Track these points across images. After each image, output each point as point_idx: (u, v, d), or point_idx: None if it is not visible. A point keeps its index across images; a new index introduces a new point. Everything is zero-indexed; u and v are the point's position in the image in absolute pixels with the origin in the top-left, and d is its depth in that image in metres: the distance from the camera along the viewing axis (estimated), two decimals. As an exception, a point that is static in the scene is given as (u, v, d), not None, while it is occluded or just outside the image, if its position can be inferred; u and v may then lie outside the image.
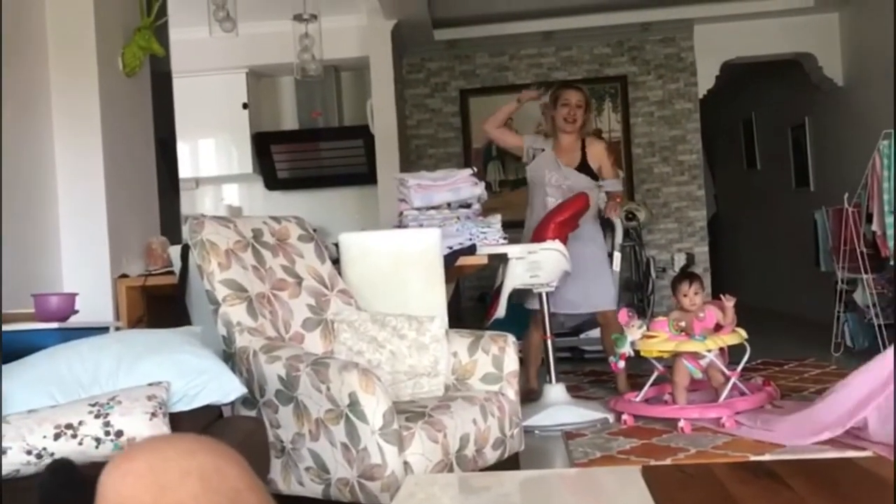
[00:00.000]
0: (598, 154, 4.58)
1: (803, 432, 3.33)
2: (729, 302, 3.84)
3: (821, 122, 7.14)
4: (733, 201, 9.49)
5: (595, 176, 4.55)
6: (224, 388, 2.28)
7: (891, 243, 4.74)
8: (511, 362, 2.88)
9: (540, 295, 4.16)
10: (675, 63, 6.87)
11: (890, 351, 3.18)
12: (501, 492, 2.06)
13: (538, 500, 1.99)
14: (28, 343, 2.46)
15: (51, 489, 1.15)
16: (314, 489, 2.43)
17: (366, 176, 6.14)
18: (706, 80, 6.80)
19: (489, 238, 3.92)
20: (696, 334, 3.69)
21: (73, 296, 2.82)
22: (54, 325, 2.64)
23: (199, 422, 2.29)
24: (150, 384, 2.15)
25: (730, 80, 7.17)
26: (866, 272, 5.03)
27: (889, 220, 4.74)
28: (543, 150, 4.63)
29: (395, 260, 3.23)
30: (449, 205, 4.00)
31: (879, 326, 4.93)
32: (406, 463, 2.32)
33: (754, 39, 6.68)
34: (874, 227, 4.88)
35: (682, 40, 6.84)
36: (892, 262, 4.92)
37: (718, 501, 1.70)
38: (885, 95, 5.95)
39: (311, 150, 6.29)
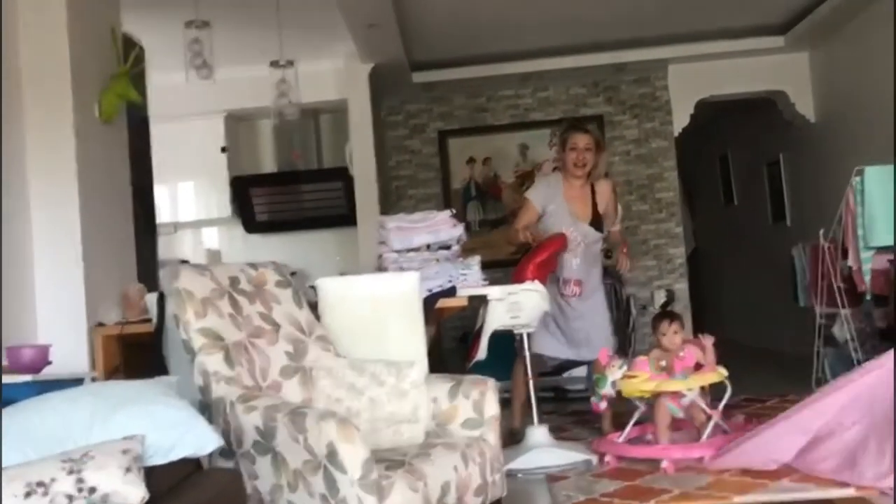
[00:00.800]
0: (605, 196, 4.50)
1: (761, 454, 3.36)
2: (707, 341, 3.85)
3: (795, 158, 7.24)
4: (712, 237, 9.57)
5: (601, 225, 4.46)
6: (200, 440, 2.24)
7: (867, 278, 4.78)
8: (492, 407, 2.86)
9: (520, 336, 4.15)
10: (650, 102, 6.96)
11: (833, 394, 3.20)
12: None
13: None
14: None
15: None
16: (293, 542, 2.38)
17: (346, 217, 6.14)
18: (681, 118, 6.90)
19: (469, 280, 3.92)
20: (677, 373, 3.69)
21: (46, 348, 2.78)
22: (27, 377, 2.60)
23: (175, 475, 2.25)
24: (124, 438, 2.11)
25: (705, 117, 7.28)
26: (844, 307, 5.06)
27: (864, 255, 4.79)
28: (554, 197, 4.44)
29: (374, 304, 3.22)
30: (428, 246, 4.00)
31: (858, 361, 4.95)
32: (386, 513, 2.28)
33: (728, 78, 6.79)
34: (850, 262, 4.92)
35: (657, 80, 6.94)
36: (868, 297, 4.96)
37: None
38: (857, 131, 6.06)
39: (290, 193, 6.30)
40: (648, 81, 6.96)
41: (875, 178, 4.73)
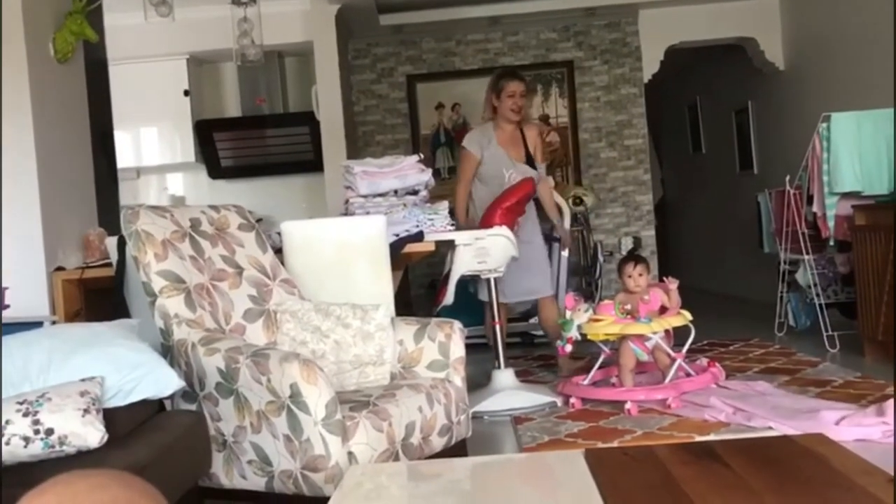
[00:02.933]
0: (533, 139, 4.71)
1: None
2: (672, 284, 3.87)
3: (763, 105, 7.25)
4: (680, 185, 9.61)
5: (533, 164, 4.64)
6: (161, 381, 2.22)
7: (831, 224, 4.83)
8: (457, 349, 2.86)
9: (488, 281, 4.15)
10: (620, 48, 6.90)
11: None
12: (448, 478, 2.05)
13: (484, 486, 1.98)
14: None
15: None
16: (257, 482, 2.38)
17: (312, 163, 6.05)
18: (651, 64, 6.85)
19: (436, 225, 3.90)
20: (642, 317, 3.72)
21: (2, 290, 2.72)
22: (-18, 320, 2.54)
23: (136, 417, 2.23)
24: (82, 379, 2.08)
25: (674, 64, 7.23)
26: (808, 253, 5.12)
27: (829, 201, 4.83)
28: (489, 144, 4.57)
29: (340, 248, 3.19)
30: (396, 192, 3.96)
31: (821, 306, 5.03)
32: (350, 453, 2.29)
33: (698, 24, 6.74)
34: (814, 208, 4.96)
35: (627, 25, 6.87)
36: (832, 243, 5.02)
37: (660, 483, 1.71)
38: (824, 78, 6.06)
39: (255, 138, 6.18)
40: (619, 27, 6.89)
41: (841, 124, 4.74)
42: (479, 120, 6.87)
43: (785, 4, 6.66)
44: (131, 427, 2.17)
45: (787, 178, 5.23)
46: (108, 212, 4.39)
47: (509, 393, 3.97)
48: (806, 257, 5.14)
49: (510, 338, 4.76)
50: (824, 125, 4.80)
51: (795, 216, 5.16)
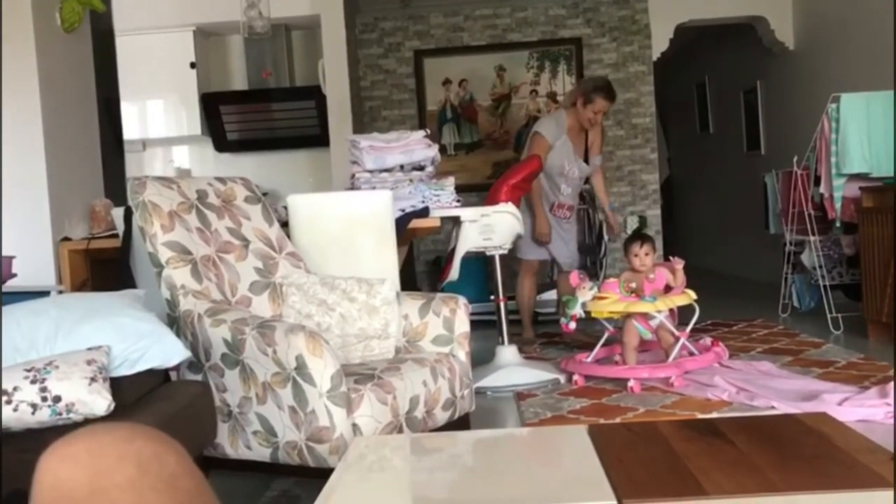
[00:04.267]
0: (595, 137, 5.03)
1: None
2: (678, 264, 3.87)
3: (772, 85, 7.20)
4: (686, 164, 9.57)
5: (587, 157, 5.01)
6: (167, 351, 2.23)
7: (837, 206, 4.82)
8: (462, 324, 2.87)
9: (493, 258, 4.15)
10: (629, 26, 6.85)
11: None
12: (451, 452, 2.06)
13: (486, 460, 1.99)
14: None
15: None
16: (262, 453, 2.40)
17: (318, 138, 6.04)
18: (660, 43, 6.80)
19: (442, 201, 3.89)
20: (647, 295, 3.72)
21: (10, 259, 2.73)
22: (-10, 289, 2.55)
23: (142, 386, 2.24)
24: (89, 348, 2.09)
25: (683, 43, 7.19)
26: (813, 234, 5.11)
27: (836, 182, 4.81)
28: (560, 134, 4.87)
29: (346, 222, 3.19)
30: (402, 167, 3.95)
31: (825, 287, 5.03)
32: (355, 425, 2.30)
33: (708, 2, 6.68)
34: (822, 189, 4.95)
35: (637, 2, 6.81)
36: (838, 225, 5.01)
37: (663, 458, 1.72)
38: (834, 59, 6.02)
39: (261, 111, 6.16)
40: (628, 4, 6.83)
41: (851, 105, 4.72)
42: (485, 95, 6.87)
43: (796, -17, 6.60)
44: (137, 396, 2.19)
45: (795, 158, 5.21)
46: (115, 183, 4.39)
47: (513, 369, 3.98)
48: (811, 238, 5.13)
49: (513, 314, 4.77)
50: (833, 106, 4.77)
51: (802, 197, 5.14)
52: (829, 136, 4.80)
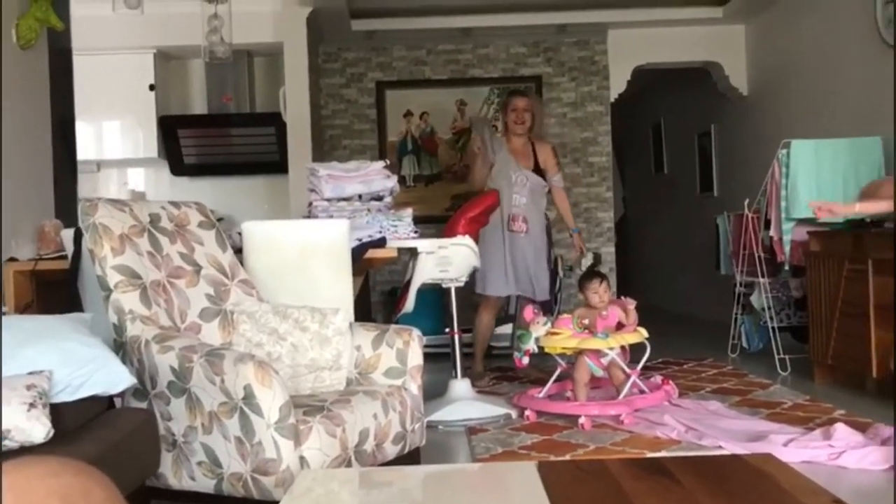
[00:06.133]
0: (545, 154, 5.06)
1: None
2: (630, 304, 3.91)
3: (726, 129, 7.38)
4: (641, 204, 9.72)
5: (544, 177, 5.02)
6: (111, 378, 2.18)
7: (786, 249, 4.92)
8: (415, 357, 2.86)
9: (448, 290, 4.15)
10: (588, 66, 6.97)
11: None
12: (400, 487, 2.04)
13: (436, 495, 1.97)
14: None
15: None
16: (206, 484, 2.35)
17: (277, 165, 6.01)
18: (618, 84, 6.93)
19: (399, 231, 3.89)
20: (599, 332, 3.75)
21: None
22: (-72, 308, 2.47)
23: (85, 413, 2.19)
24: (30, 373, 2.04)
25: (641, 85, 7.33)
26: (763, 276, 5.21)
27: (786, 226, 4.92)
28: (500, 151, 4.96)
29: (301, 251, 3.17)
30: (360, 197, 3.95)
31: (773, 329, 5.12)
32: (302, 458, 2.26)
33: (665, 47, 6.84)
34: (771, 232, 5.05)
35: (597, 44, 6.95)
36: (787, 268, 5.11)
37: (611, 497, 1.72)
38: (786, 106, 6.19)
39: (220, 136, 6.12)
40: (588, 45, 6.96)
41: (801, 151, 4.84)
42: (446, 129, 6.94)
43: (750, 32, 6.79)
44: (79, 423, 2.13)
45: (746, 201, 5.32)
46: (66, 204, 4.30)
47: (465, 403, 3.97)
48: (761, 280, 5.23)
49: (466, 347, 4.76)
50: (784, 151, 4.90)
51: (752, 240, 5.25)
52: (779, 181, 4.92)
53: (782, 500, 1.69)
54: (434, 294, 5.16)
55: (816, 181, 4.78)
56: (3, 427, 1.86)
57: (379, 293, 6.72)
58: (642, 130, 9.37)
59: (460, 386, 4.07)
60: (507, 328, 5.54)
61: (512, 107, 5.00)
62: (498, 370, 5.30)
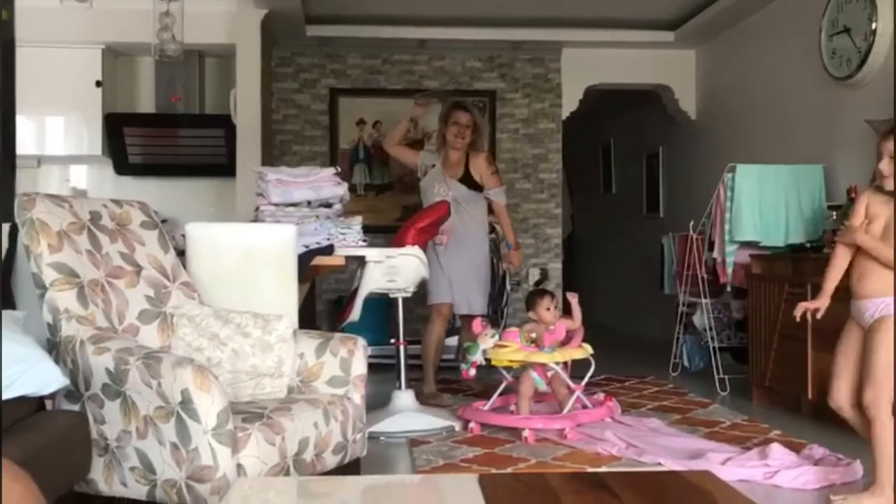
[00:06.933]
0: (478, 165, 4.93)
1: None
2: (573, 298, 3.99)
3: (673, 152, 7.51)
4: (589, 222, 9.82)
5: (479, 187, 4.91)
6: (43, 378, 2.11)
7: (729, 270, 5.01)
8: (359, 366, 2.82)
9: (395, 300, 4.13)
10: (542, 83, 7.03)
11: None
12: (339, 497, 2.00)
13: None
14: None
15: None
16: (138, 490, 2.28)
17: (225, 167, 5.90)
18: (570, 102, 7.00)
19: (348, 239, 3.85)
20: (546, 346, 3.76)
21: None
22: None
23: (12, 414, 2.10)
24: (-45, 371, 1.95)
25: (593, 104, 7.42)
26: (705, 297, 5.30)
27: (729, 248, 5.01)
28: (434, 165, 4.95)
29: (246, 255, 3.11)
30: (309, 203, 3.90)
31: (714, 349, 5.20)
32: (239, 465, 2.21)
33: (618, 68, 6.94)
34: (715, 254, 5.14)
35: (551, 62, 7.01)
36: (729, 289, 5.20)
37: (552, 512, 1.71)
38: (731, 131, 6.33)
39: (167, 136, 5.99)
40: (542, 62, 7.02)
41: (745, 175, 4.94)
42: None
43: (700, 57, 6.93)
44: (6, 424, 2.04)
45: (692, 223, 5.41)
46: (2, 199, 4.16)
47: (408, 415, 3.94)
48: (703, 301, 5.32)
49: (411, 358, 4.73)
50: (729, 175, 4.99)
51: (696, 261, 5.33)
52: (724, 204, 5.01)
53: (720, 517, 1.70)
54: (379, 304, 5.12)
55: (759, 205, 4.88)
56: (-76, 426, 1.78)
57: (324, 301, 6.65)
58: (592, 149, 9.48)
59: (404, 397, 4.04)
60: (452, 340, 5.53)
61: (454, 119, 4.89)
62: (442, 382, 5.27)
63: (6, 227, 3.00)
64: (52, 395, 2.31)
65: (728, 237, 4.98)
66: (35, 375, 2.08)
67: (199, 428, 2.15)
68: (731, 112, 6.35)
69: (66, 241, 2.53)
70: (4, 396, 2.03)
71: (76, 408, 2.36)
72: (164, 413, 2.19)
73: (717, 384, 5.07)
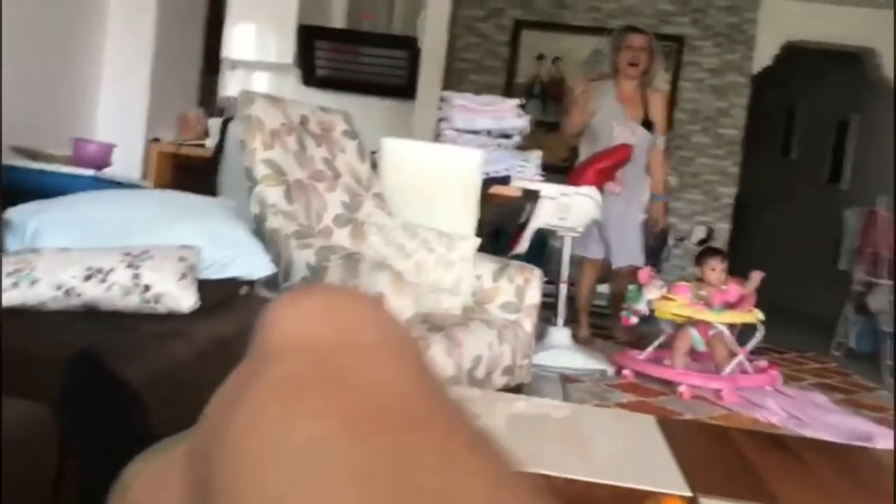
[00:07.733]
0: (657, 107, 4.61)
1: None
2: (757, 276, 3.83)
3: (869, 120, 7.01)
4: (758, 186, 9.37)
5: (651, 129, 4.58)
6: (253, 263, 2.26)
7: (918, 253, 4.70)
8: (533, 295, 2.86)
9: (563, 239, 4.12)
10: (735, 34, 6.69)
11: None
12: (514, 413, 2.05)
13: (569, 431, 1.97)
14: (60, 186, 2.43)
15: (73, 381, 1.04)
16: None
17: (402, 89, 6.01)
18: (763, 57, 6.64)
19: (526, 172, 3.87)
20: (715, 305, 3.67)
21: (110, 146, 2.77)
22: (90, 171, 2.60)
23: (223, 292, 2.27)
24: (182, 246, 2.12)
25: (785, 61, 7.00)
26: (886, 278, 4.99)
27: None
28: (605, 98, 4.54)
29: (434, 174, 3.19)
30: (489, 132, 3.94)
31: (889, 333, 4.91)
32: (420, 372, 2.30)
33: (820, 24, 6.49)
34: (904, 234, 4.82)
35: (747, 11, 6.65)
36: (914, 273, 4.88)
37: (739, 466, 1.69)
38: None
39: (354, 53, 6.15)
40: (738, 11, 6.67)
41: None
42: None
43: (916, 20, 6.38)
44: (219, 301, 2.21)
45: (880, 198, 5.07)
46: (203, 97, 4.43)
47: (563, 351, 3.96)
48: (884, 282, 5.01)
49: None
50: (936, 152, 4.63)
51: (881, 238, 5.01)
52: (923, 182, 4.67)
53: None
54: (536, 240, 5.11)
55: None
56: (157, 291, 1.95)
57: (483, 233, 6.72)
58: (776, 110, 8.98)
59: (560, 334, 4.07)
60: (603, 287, 5.48)
61: (627, 43, 4.45)
62: (593, 327, 5.25)
63: (219, 121, 3.20)
64: (251, 282, 2.47)
65: (923, 218, 4.65)
66: (248, 260, 2.24)
67: (388, 331, 2.25)
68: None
69: (277, 141, 2.66)
70: (222, 275, 2.20)
71: (273, 296, 2.52)
72: (356, 312, 2.30)
73: (886, 370, 4.80)
